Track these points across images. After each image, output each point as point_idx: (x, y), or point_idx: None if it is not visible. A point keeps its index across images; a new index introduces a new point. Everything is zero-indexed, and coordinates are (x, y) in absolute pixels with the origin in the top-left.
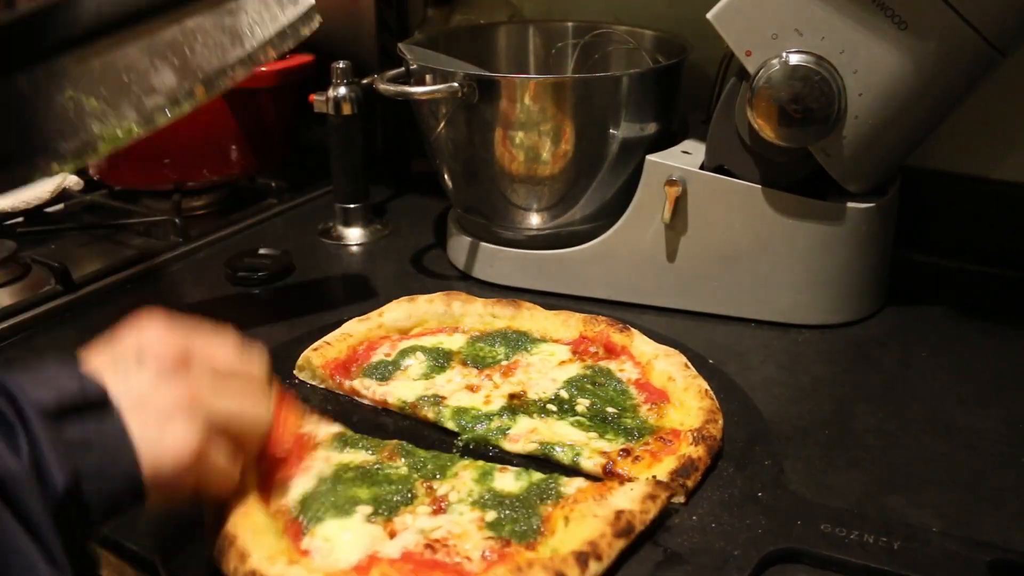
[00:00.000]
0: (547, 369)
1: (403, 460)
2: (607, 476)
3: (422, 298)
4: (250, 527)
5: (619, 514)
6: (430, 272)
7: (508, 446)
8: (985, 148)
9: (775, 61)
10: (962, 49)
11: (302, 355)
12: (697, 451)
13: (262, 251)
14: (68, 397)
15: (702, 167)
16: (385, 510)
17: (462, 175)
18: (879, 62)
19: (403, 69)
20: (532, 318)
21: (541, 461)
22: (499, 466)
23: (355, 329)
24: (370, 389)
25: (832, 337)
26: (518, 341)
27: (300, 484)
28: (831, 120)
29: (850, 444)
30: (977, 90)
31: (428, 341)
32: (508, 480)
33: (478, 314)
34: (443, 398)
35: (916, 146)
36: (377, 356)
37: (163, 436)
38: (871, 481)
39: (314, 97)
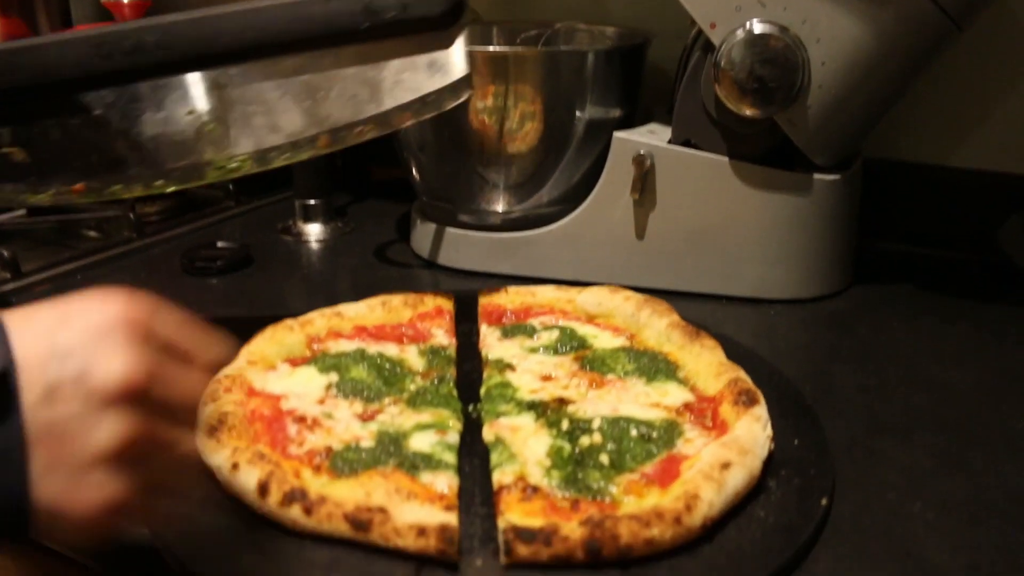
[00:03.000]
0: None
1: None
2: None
3: (624, 293)
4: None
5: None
6: (393, 262)
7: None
8: (941, 138)
9: (739, 32)
10: (921, 20)
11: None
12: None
13: (220, 244)
14: None
15: (669, 143)
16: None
17: (429, 161)
18: (841, 32)
19: None
20: (695, 356)
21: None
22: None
23: (548, 295)
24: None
25: (804, 310)
26: (650, 368)
27: None
28: (795, 90)
29: (833, 399)
30: (934, 64)
31: (587, 331)
32: None
33: (658, 330)
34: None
35: (879, 117)
36: (532, 320)
37: (75, 487)
38: (859, 429)
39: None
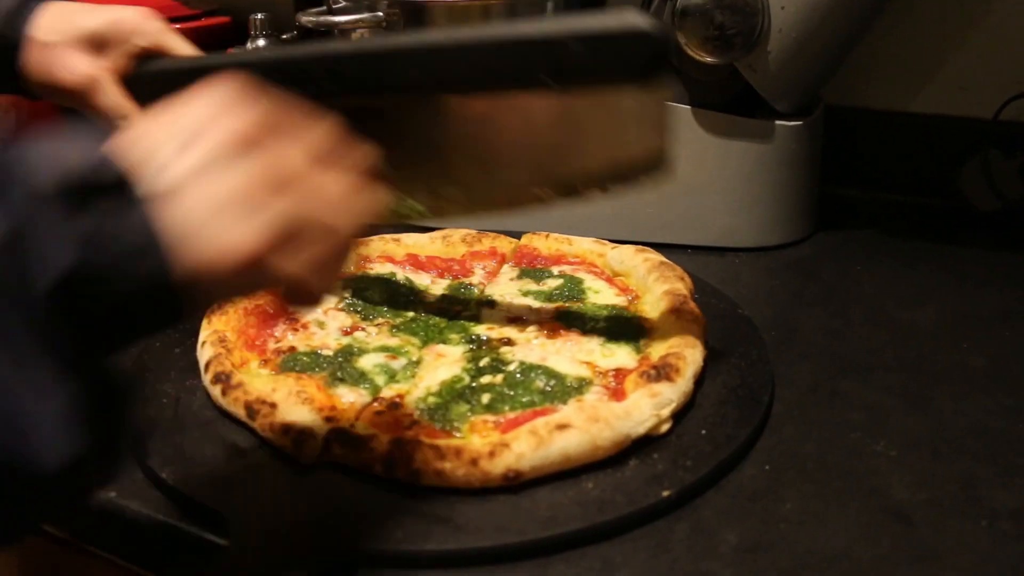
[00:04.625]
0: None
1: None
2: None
3: (646, 254)
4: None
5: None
6: None
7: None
8: (901, 83)
9: None
10: None
11: None
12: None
13: None
14: (76, 178)
15: None
16: None
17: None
18: None
19: (324, 8)
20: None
21: None
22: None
23: (583, 247)
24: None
25: (768, 258)
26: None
27: None
28: (755, 35)
29: (797, 341)
30: (893, 8)
31: (593, 284)
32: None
33: (655, 296)
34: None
35: (839, 62)
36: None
37: (207, 233)
38: (822, 370)
39: (232, 51)
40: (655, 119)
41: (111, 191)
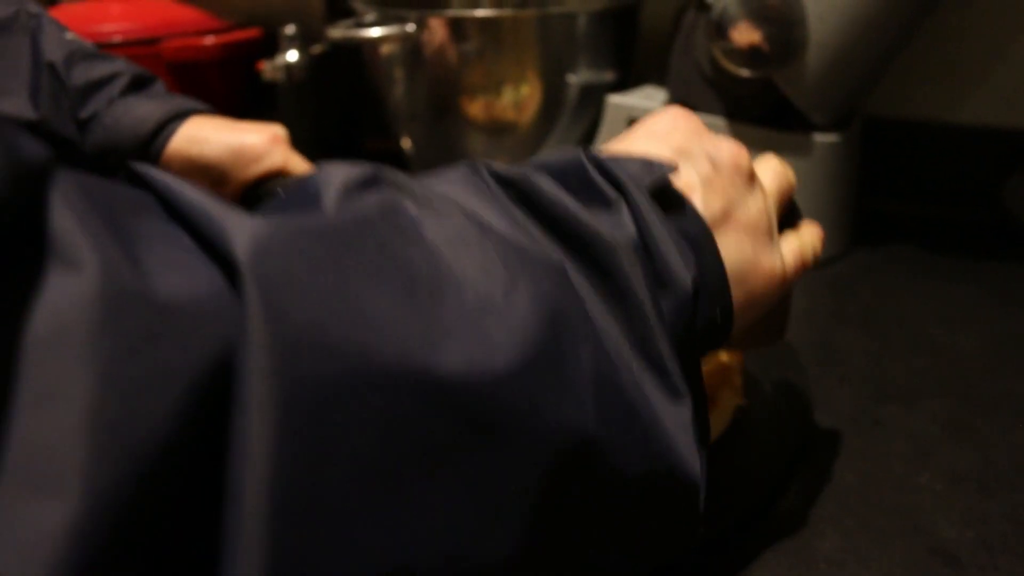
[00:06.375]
0: None
1: None
2: None
3: None
4: None
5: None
6: None
7: None
8: (942, 94)
9: None
10: None
11: None
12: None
13: None
14: (659, 181)
15: (665, 105)
16: None
17: (420, 132)
18: None
19: (353, 21)
20: None
21: None
22: None
23: None
24: None
25: (805, 275)
26: None
27: None
28: (792, 47)
29: (836, 364)
30: (934, 18)
31: None
32: None
33: None
34: None
35: (879, 74)
36: None
37: (756, 259)
38: (863, 396)
39: (263, 64)
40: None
41: (675, 203)
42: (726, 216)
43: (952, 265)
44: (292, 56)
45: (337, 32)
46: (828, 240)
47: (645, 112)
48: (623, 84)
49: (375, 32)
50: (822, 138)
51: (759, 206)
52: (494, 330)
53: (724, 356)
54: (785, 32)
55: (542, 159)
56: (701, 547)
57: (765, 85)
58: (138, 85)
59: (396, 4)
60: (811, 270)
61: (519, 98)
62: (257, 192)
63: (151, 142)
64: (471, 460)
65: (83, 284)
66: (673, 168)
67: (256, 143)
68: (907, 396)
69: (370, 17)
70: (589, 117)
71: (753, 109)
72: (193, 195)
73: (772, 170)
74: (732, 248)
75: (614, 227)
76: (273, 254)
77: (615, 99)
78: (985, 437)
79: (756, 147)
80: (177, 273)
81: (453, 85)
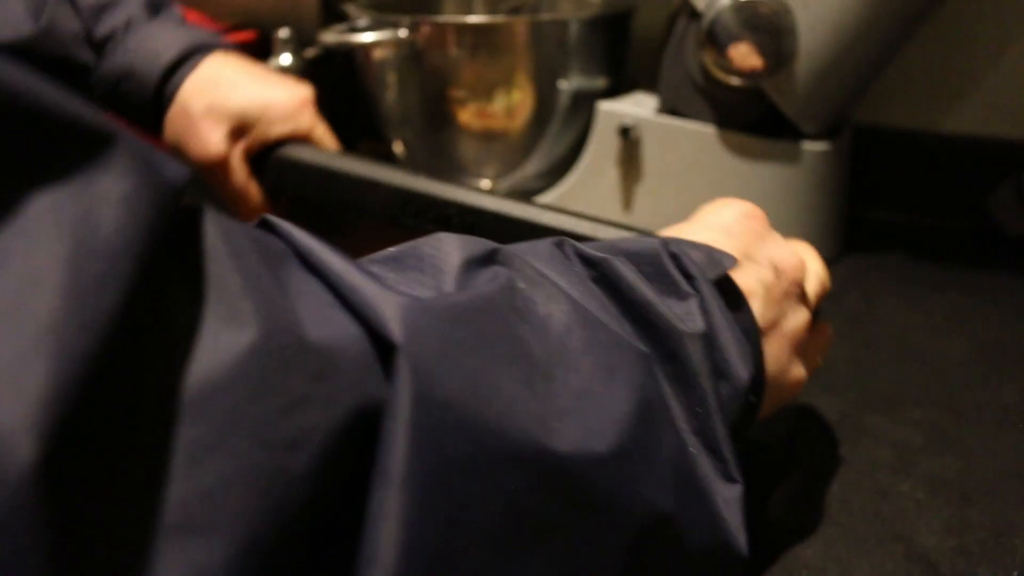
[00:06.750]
0: None
1: None
2: None
3: None
4: None
5: None
6: None
7: None
8: (931, 103)
9: None
10: None
11: None
12: None
13: None
14: (721, 274)
15: (655, 113)
16: None
17: (412, 137)
18: None
19: (347, 26)
20: None
21: None
22: None
23: None
24: None
25: None
26: None
27: None
28: (783, 56)
29: (822, 372)
30: (924, 28)
31: None
32: None
33: None
34: None
35: (868, 83)
36: None
37: (788, 369)
38: (848, 403)
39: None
40: None
41: (737, 300)
42: (775, 325)
43: (939, 273)
44: (286, 60)
45: (331, 36)
46: (816, 247)
47: (636, 118)
48: (614, 91)
49: (368, 37)
50: (811, 146)
51: (802, 322)
52: (596, 416)
53: None
54: (775, 41)
55: (619, 243)
56: None
57: (755, 93)
58: (154, 6)
59: (390, 9)
60: None
61: (511, 104)
62: (274, 153)
63: (171, 75)
64: (573, 533)
65: (244, 338)
66: (734, 263)
67: (285, 102)
68: (891, 404)
69: (363, 22)
70: (580, 123)
71: (743, 117)
72: (331, 256)
73: (816, 277)
74: (773, 355)
75: (686, 318)
76: (423, 334)
77: (606, 106)
78: (968, 446)
79: (746, 155)
80: (329, 327)
81: (445, 90)
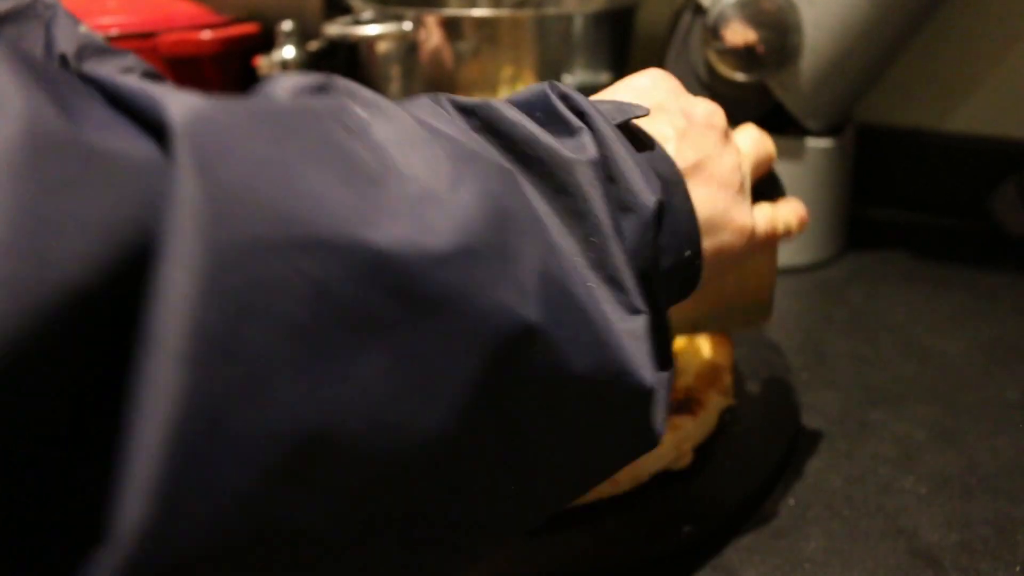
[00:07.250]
0: None
1: None
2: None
3: None
4: None
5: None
6: None
7: None
8: (934, 102)
9: None
10: None
11: None
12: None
13: None
14: (629, 119)
15: None
16: None
17: None
18: None
19: (350, 18)
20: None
21: None
22: None
23: None
24: None
25: (795, 279)
26: None
27: None
28: (788, 53)
29: (825, 368)
30: (928, 27)
31: None
32: None
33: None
34: None
35: (873, 81)
36: None
37: (727, 212)
38: (850, 399)
39: (259, 60)
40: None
41: (644, 143)
42: (699, 167)
43: (941, 271)
44: (289, 52)
45: (334, 29)
46: (819, 244)
47: None
48: None
49: (372, 30)
50: (815, 143)
51: (732, 162)
52: (434, 216)
53: (713, 355)
54: (780, 38)
55: (509, 96)
56: (688, 546)
57: (759, 89)
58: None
59: (393, 2)
60: (801, 272)
61: None
62: None
63: None
64: (402, 334)
65: (8, 127)
66: (645, 111)
67: None
68: (894, 400)
69: (367, 15)
70: None
71: (747, 113)
72: (137, 82)
73: (750, 136)
74: (703, 198)
75: (574, 148)
76: (209, 121)
77: None
78: (970, 442)
79: None
80: (109, 131)
81: (449, 84)
